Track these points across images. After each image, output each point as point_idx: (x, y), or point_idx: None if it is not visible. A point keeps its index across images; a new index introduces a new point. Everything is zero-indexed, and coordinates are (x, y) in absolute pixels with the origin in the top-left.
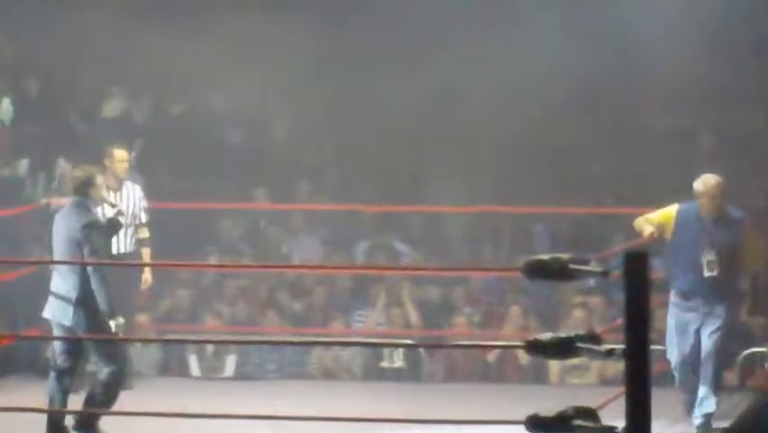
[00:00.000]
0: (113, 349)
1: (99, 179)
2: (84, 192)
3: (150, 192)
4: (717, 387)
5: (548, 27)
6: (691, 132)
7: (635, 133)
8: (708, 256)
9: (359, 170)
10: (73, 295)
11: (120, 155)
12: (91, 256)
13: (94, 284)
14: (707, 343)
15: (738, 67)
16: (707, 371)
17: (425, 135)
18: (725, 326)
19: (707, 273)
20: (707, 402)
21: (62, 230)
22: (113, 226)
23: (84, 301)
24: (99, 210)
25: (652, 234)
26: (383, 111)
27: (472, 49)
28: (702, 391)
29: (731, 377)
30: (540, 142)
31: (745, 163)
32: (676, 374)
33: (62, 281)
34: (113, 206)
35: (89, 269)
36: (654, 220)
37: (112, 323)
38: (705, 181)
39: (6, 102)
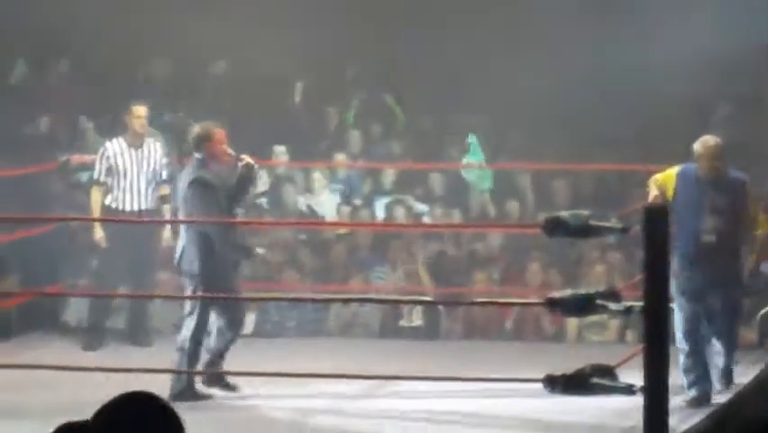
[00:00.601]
0: (235, 312)
1: (218, 134)
2: (200, 148)
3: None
4: (733, 344)
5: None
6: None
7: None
8: (707, 220)
9: (382, 129)
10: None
11: (138, 111)
12: (192, 213)
13: (187, 241)
14: (716, 306)
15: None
16: (720, 331)
17: (449, 97)
18: (730, 289)
19: (705, 238)
20: (726, 358)
21: (178, 186)
22: (244, 178)
23: (204, 255)
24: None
25: (656, 197)
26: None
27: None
28: (718, 347)
29: (750, 336)
30: (564, 102)
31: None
32: (682, 345)
33: (185, 235)
34: (239, 159)
35: (196, 226)
36: (657, 182)
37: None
38: (704, 143)
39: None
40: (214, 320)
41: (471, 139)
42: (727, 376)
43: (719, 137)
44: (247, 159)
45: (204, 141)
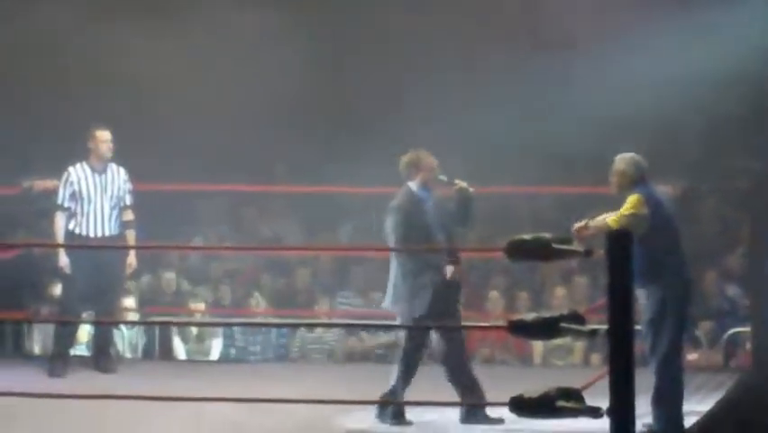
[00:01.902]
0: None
1: (428, 161)
2: (409, 175)
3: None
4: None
5: None
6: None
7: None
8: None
9: (337, 153)
10: (394, 281)
11: (102, 135)
12: (391, 242)
13: (397, 275)
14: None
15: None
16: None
17: (408, 115)
18: None
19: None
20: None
21: (392, 217)
22: (462, 202)
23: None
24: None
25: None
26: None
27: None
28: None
29: (716, 358)
30: (523, 125)
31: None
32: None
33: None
34: (452, 184)
35: (397, 258)
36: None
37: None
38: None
39: None
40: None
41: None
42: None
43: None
44: (460, 183)
45: (414, 168)
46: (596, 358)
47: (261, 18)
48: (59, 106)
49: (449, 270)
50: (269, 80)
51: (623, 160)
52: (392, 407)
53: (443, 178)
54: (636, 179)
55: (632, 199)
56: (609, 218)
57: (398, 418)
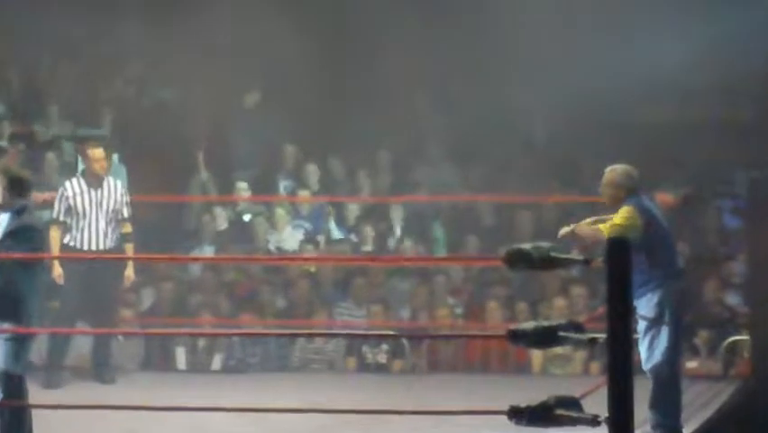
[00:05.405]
0: None
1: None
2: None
3: (133, 186)
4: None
5: None
6: (674, 124)
7: (621, 129)
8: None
9: (341, 163)
10: None
11: (95, 154)
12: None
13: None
14: None
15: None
16: None
17: (416, 125)
18: None
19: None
20: None
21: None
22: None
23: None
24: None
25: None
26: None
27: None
28: None
29: (714, 367)
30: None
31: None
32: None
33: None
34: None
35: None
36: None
37: None
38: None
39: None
40: None
41: None
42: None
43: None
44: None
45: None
46: (595, 367)
47: None
48: None
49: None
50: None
51: (615, 171)
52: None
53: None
54: (629, 191)
55: (625, 210)
56: (601, 225)
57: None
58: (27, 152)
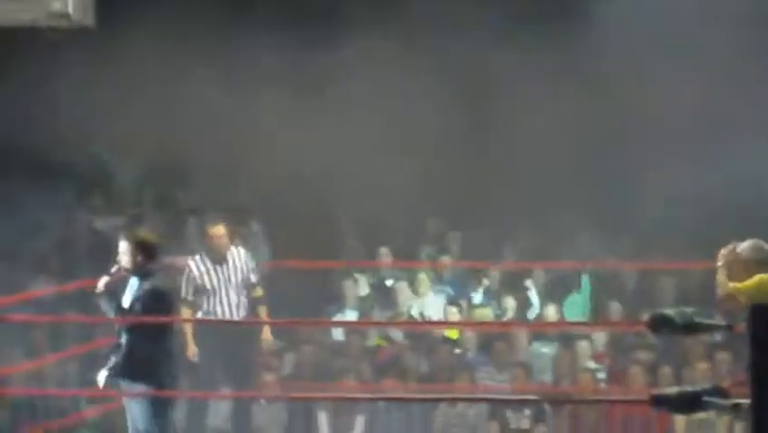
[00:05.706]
0: None
1: None
2: None
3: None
4: None
5: None
6: None
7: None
8: None
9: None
10: None
11: (216, 231)
12: None
13: None
14: None
15: None
16: None
17: (561, 197)
18: None
19: None
20: None
21: None
22: None
23: None
24: None
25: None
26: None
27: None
28: None
29: None
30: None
31: None
32: None
33: None
34: None
35: None
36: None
37: None
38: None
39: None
40: None
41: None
42: None
43: None
44: None
45: None
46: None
47: None
48: None
49: None
50: None
51: (748, 248)
52: None
53: None
54: (760, 264)
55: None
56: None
57: None
58: (168, 218)
